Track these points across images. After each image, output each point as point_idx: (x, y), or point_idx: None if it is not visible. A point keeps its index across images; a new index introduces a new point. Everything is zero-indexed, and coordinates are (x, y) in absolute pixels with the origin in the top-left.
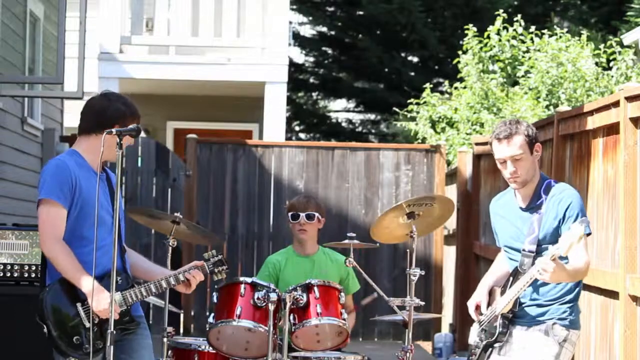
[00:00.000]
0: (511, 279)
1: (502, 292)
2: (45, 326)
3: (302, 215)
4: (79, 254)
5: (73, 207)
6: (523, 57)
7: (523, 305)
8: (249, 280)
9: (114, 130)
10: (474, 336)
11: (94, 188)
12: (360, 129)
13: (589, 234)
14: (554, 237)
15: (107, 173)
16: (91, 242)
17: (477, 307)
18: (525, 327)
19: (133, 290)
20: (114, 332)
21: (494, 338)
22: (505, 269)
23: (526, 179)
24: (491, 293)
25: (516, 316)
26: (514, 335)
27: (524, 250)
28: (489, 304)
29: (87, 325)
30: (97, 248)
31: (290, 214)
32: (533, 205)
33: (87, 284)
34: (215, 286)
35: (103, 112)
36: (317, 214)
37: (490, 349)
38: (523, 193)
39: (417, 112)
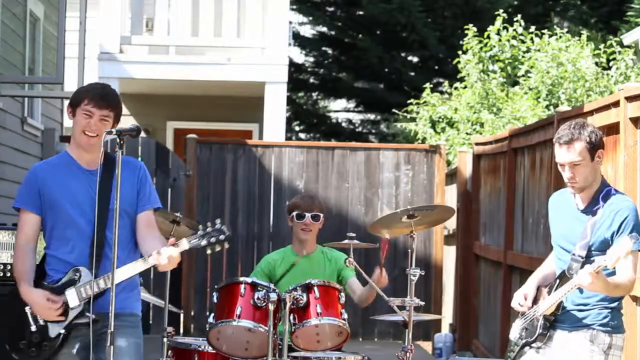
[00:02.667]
0: (557, 281)
1: (548, 293)
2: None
3: (308, 215)
4: (62, 253)
5: (45, 210)
6: (523, 57)
7: (565, 309)
8: (249, 280)
9: (113, 130)
10: (516, 332)
11: (76, 186)
12: (360, 129)
13: None
14: (604, 245)
15: (111, 167)
16: (68, 242)
17: (525, 300)
18: (567, 331)
19: (89, 283)
20: (62, 332)
21: (533, 337)
22: (554, 268)
23: (584, 185)
24: (538, 290)
25: (558, 320)
26: (554, 338)
27: (573, 254)
28: (535, 301)
29: (33, 329)
30: (70, 246)
31: (295, 213)
32: (589, 210)
33: (22, 289)
34: (216, 286)
35: (74, 93)
36: (321, 215)
37: (528, 347)
38: (582, 196)
39: (417, 112)
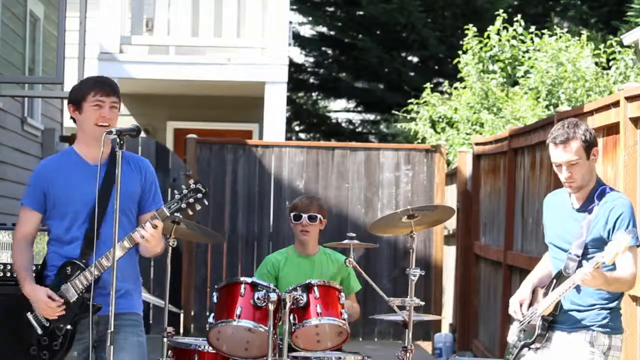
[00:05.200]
0: (554, 281)
1: (545, 294)
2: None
3: (305, 216)
4: (64, 250)
5: (49, 208)
6: (523, 57)
7: (564, 310)
8: (249, 280)
9: (114, 129)
10: (513, 335)
11: (82, 183)
12: (360, 129)
13: (639, 246)
14: (601, 243)
15: (118, 163)
16: (71, 238)
17: (520, 306)
18: (566, 332)
19: (82, 274)
20: (69, 328)
21: (532, 339)
22: (549, 268)
23: (582, 184)
24: (534, 292)
25: (556, 321)
26: (553, 339)
27: (570, 253)
28: (531, 304)
29: (40, 332)
30: (67, 242)
31: (292, 214)
32: (585, 209)
33: (26, 286)
34: (216, 286)
35: (72, 91)
36: (319, 216)
37: (526, 349)
38: (577, 195)
39: (417, 112)
